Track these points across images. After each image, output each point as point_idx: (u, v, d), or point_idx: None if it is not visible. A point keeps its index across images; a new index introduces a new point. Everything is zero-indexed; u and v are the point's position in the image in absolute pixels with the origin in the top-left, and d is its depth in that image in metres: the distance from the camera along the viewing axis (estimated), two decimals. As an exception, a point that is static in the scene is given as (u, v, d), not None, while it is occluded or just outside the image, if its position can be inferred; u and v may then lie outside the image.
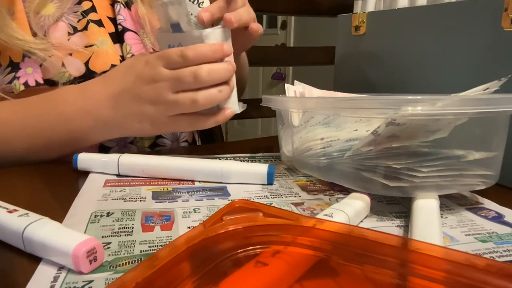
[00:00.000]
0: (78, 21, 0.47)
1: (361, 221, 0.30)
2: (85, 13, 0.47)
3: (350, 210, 0.28)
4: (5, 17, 0.42)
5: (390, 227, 0.29)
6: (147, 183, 0.38)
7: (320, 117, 0.35)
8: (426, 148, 0.31)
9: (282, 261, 0.20)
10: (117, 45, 0.50)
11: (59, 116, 0.41)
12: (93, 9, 0.48)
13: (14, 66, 0.43)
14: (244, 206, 0.24)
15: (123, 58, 0.49)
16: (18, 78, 0.43)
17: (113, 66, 0.48)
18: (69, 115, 0.41)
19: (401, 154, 0.30)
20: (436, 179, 0.30)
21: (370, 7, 0.59)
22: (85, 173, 0.39)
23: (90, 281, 0.21)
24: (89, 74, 0.47)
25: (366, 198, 0.31)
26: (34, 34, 0.44)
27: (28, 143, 0.42)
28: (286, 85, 0.43)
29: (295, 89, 0.43)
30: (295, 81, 0.46)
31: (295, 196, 0.35)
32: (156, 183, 0.38)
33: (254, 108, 0.86)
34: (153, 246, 0.25)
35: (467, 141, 0.31)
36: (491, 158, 0.31)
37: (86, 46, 0.46)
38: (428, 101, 0.27)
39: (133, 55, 0.50)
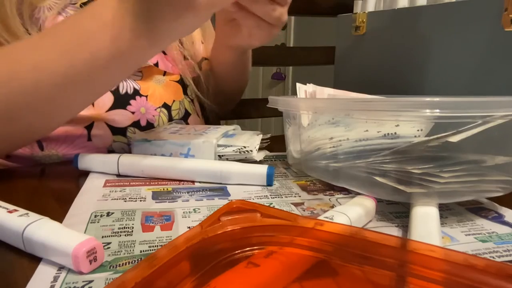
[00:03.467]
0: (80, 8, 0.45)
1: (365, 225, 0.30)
2: (84, 5, 0.46)
3: (352, 213, 0.27)
4: (15, 17, 0.42)
5: (390, 227, 0.29)
6: (147, 183, 0.38)
7: (329, 116, 0.34)
8: (445, 152, 0.29)
9: (276, 261, 0.20)
10: None
11: (96, 23, 0.35)
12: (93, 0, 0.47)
13: None
14: (242, 206, 0.24)
15: None
16: None
17: None
18: (107, 19, 0.34)
19: (419, 159, 0.29)
20: (455, 185, 0.29)
21: (370, 7, 0.59)
22: (85, 173, 0.39)
23: (90, 281, 0.21)
24: None
25: (372, 202, 0.30)
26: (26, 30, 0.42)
27: (67, 62, 0.35)
28: (298, 85, 0.43)
29: (306, 89, 0.43)
30: (307, 83, 0.45)
31: (295, 196, 0.35)
32: (156, 183, 0.38)
33: (254, 108, 0.86)
34: (153, 246, 0.25)
35: (485, 145, 0.30)
36: (510, 163, 0.30)
37: None
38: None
39: None
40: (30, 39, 0.36)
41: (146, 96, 0.52)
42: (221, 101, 0.68)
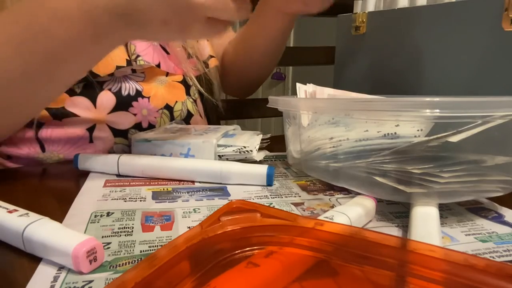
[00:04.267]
0: None
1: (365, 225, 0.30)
2: None
3: (352, 213, 0.28)
4: None
5: (390, 227, 0.29)
6: (147, 183, 0.38)
7: (329, 116, 0.34)
8: (445, 152, 0.29)
9: (276, 261, 0.20)
10: (122, 45, 0.49)
11: (51, 15, 0.32)
12: None
13: None
14: (242, 206, 0.24)
15: (128, 59, 0.49)
16: None
17: (118, 67, 0.47)
18: (62, 9, 0.31)
19: (419, 159, 0.29)
20: (455, 185, 0.29)
21: (370, 7, 0.59)
22: (85, 173, 0.39)
23: (90, 281, 0.21)
24: (92, 78, 0.46)
25: (372, 202, 0.30)
26: None
27: (22, 60, 0.32)
28: (298, 85, 0.43)
29: (306, 89, 0.43)
30: (307, 83, 0.45)
31: (295, 196, 0.35)
32: (156, 183, 0.38)
33: (254, 108, 0.86)
34: (153, 246, 0.25)
35: (485, 145, 0.30)
36: (510, 163, 0.30)
37: None
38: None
39: (138, 55, 0.49)
40: None
41: (149, 98, 0.51)
42: (242, 88, 0.68)
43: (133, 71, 0.51)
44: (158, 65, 0.53)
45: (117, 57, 0.47)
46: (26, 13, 0.33)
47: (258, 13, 0.58)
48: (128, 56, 0.49)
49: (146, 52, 0.51)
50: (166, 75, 0.55)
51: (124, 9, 0.31)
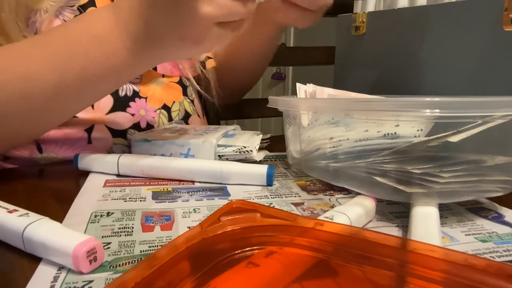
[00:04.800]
0: (74, 17, 0.45)
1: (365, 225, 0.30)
2: (83, 8, 0.46)
3: (352, 213, 0.27)
4: (14, 24, 0.41)
5: (390, 227, 0.29)
6: (147, 183, 0.38)
7: (329, 116, 0.34)
8: (445, 152, 0.29)
9: (276, 261, 0.20)
10: None
11: (90, 37, 0.34)
12: (92, 3, 0.46)
13: None
14: (242, 206, 0.24)
15: None
16: None
17: None
18: (103, 34, 0.34)
19: (419, 159, 0.29)
20: (455, 185, 0.29)
21: (370, 7, 0.59)
22: (85, 173, 0.39)
23: (90, 281, 0.21)
24: None
25: (372, 202, 0.30)
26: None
27: (57, 75, 0.34)
28: (298, 85, 0.43)
29: (306, 89, 0.43)
30: (307, 83, 0.45)
31: (295, 196, 0.35)
32: (156, 183, 0.38)
33: (254, 108, 0.86)
34: (153, 246, 0.25)
35: (485, 145, 0.30)
36: (510, 163, 0.30)
37: None
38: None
39: None
40: (22, 47, 0.36)
41: (146, 98, 0.52)
42: (233, 92, 0.68)
43: None
44: (155, 68, 0.53)
45: None
46: (69, 33, 0.35)
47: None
48: None
49: None
50: (163, 77, 0.55)
51: (145, 36, 0.33)
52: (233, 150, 0.42)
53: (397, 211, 0.32)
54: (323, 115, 0.35)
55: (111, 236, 0.26)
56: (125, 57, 0.34)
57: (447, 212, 0.32)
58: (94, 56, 0.34)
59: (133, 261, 0.23)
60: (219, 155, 0.42)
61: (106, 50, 0.34)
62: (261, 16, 0.55)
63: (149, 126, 0.51)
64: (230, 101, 0.73)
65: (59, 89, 0.34)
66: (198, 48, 0.34)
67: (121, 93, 0.49)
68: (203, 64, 0.61)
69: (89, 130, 0.47)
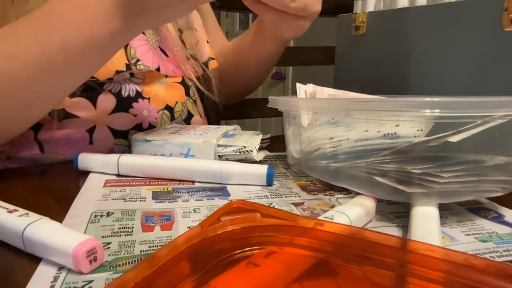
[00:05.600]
0: None
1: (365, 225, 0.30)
2: None
3: (352, 213, 0.27)
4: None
5: (390, 227, 0.29)
6: (147, 183, 0.38)
7: (329, 116, 0.34)
8: (445, 152, 0.29)
9: (276, 261, 0.20)
10: (121, 50, 0.48)
11: (70, 5, 0.34)
12: None
13: None
14: (242, 206, 0.24)
15: (128, 63, 0.48)
16: None
17: (118, 72, 0.47)
18: (82, 0, 0.33)
19: (419, 159, 0.29)
20: (455, 185, 0.29)
21: (370, 7, 0.59)
22: (85, 173, 0.39)
23: (90, 281, 0.21)
24: (91, 83, 0.46)
25: (372, 202, 0.30)
26: None
27: (38, 49, 0.33)
28: (298, 85, 0.43)
29: (306, 89, 0.43)
30: (307, 83, 0.45)
31: (295, 196, 0.35)
32: (156, 183, 0.38)
33: (254, 108, 0.86)
34: (153, 246, 0.25)
35: (485, 145, 0.30)
36: (510, 163, 0.30)
37: None
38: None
39: (138, 60, 0.49)
40: (6, 27, 0.34)
41: (149, 99, 0.51)
42: (233, 94, 0.68)
43: (131, 75, 0.51)
44: (158, 69, 0.53)
45: (117, 61, 0.47)
46: (49, 6, 0.34)
47: (252, 30, 0.58)
48: (128, 60, 0.48)
49: (146, 56, 0.50)
50: (166, 77, 0.55)
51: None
52: (233, 150, 0.42)
53: (397, 211, 0.32)
54: (323, 115, 0.35)
55: (111, 236, 0.26)
56: (105, 22, 0.33)
57: (447, 212, 0.32)
58: (74, 24, 0.33)
59: (133, 261, 0.23)
60: (219, 155, 0.42)
61: (86, 15, 0.33)
62: (264, 32, 0.55)
63: (152, 127, 0.51)
64: (231, 102, 0.73)
65: (41, 65, 0.33)
66: (182, 6, 0.33)
67: (124, 94, 0.49)
68: (205, 64, 0.61)
69: (91, 130, 0.47)
